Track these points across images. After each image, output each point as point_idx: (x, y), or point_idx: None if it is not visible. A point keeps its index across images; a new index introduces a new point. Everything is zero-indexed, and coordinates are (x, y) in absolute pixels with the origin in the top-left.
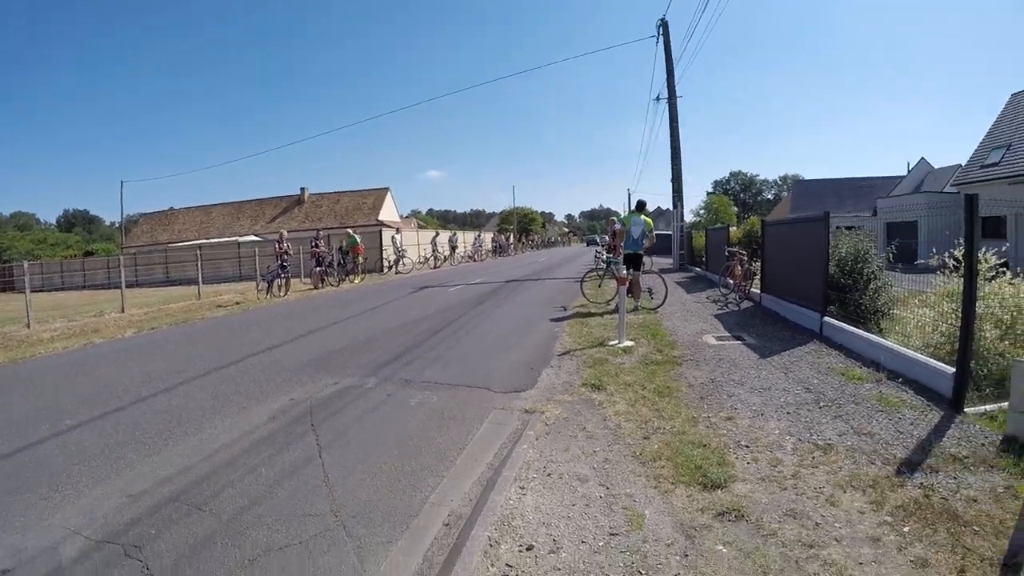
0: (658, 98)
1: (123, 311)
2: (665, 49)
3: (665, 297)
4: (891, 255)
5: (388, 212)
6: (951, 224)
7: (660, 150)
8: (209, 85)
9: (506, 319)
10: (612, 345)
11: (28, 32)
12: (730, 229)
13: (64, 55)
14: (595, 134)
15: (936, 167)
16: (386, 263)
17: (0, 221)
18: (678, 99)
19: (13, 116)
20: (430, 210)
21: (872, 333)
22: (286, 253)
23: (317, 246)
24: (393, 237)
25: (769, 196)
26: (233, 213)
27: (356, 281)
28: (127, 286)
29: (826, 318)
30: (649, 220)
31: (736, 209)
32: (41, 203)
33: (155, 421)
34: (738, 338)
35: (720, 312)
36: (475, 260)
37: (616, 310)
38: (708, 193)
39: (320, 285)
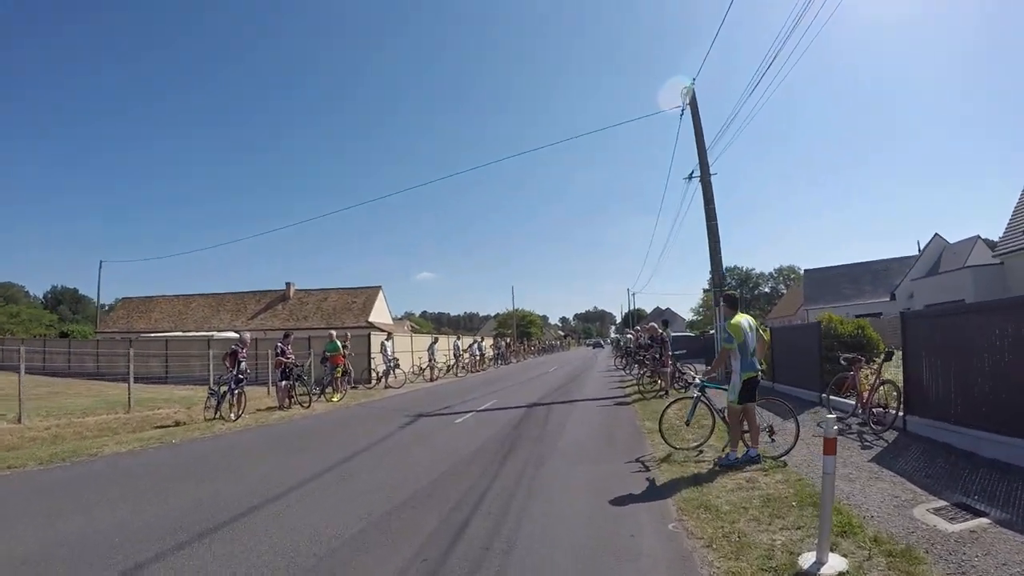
0: (690, 176)
1: (19, 421)
2: (693, 117)
3: (796, 437)
4: None
5: (380, 313)
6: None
7: (662, 244)
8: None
9: (565, 496)
10: (809, 571)
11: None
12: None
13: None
14: (589, 235)
15: (951, 242)
16: (375, 373)
17: None
18: (712, 176)
19: (10, 181)
20: (424, 312)
21: None
22: (238, 363)
23: (284, 352)
24: (384, 343)
25: (766, 289)
26: (213, 305)
27: (335, 399)
28: (88, 376)
29: None
30: (754, 320)
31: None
32: (33, 276)
33: None
34: (974, 511)
35: (870, 452)
36: (473, 371)
37: (726, 460)
38: (704, 290)
39: (286, 404)
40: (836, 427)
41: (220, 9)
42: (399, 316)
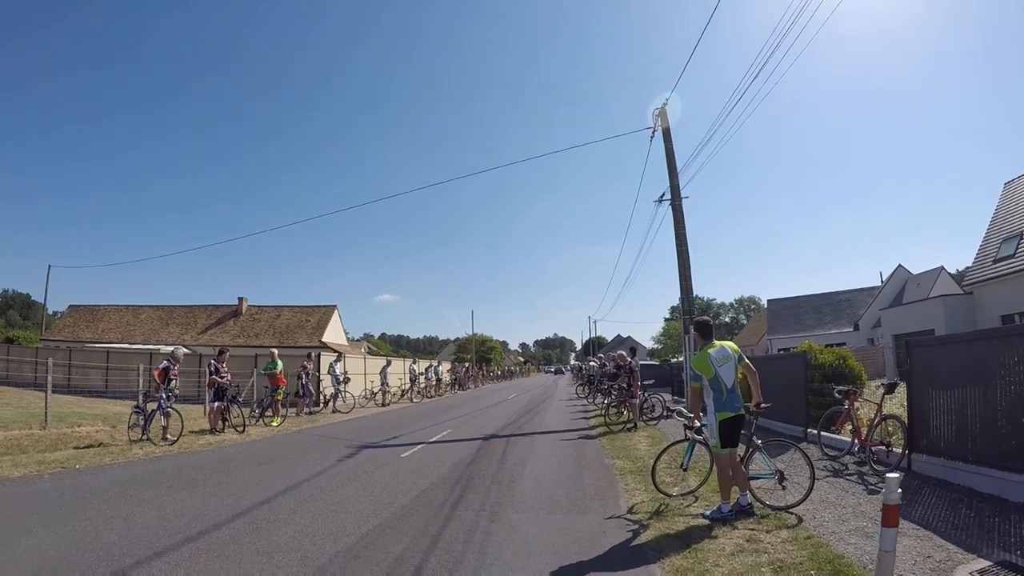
0: (660, 199)
1: None
2: (665, 140)
3: (811, 485)
4: None
5: (334, 333)
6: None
7: (627, 270)
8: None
9: (525, 564)
10: None
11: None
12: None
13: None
14: (549, 262)
15: (914, 273)
16: (322, 396)
17: None
18: (684, 200)
19: None
20: (383, 334)
21: None
22: (168, 381)
23: (217, 371)
24: (332, 364)
25: (726, 319)
26: (163, 317)
27: (275, 423)
28: (25, 386)
29: None
30: (735, 347)
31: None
32: None
33: None
34: (1021, 571)
35: (878, 497)
36: (428, 396)
37: (716, 513)
38: (666, 319)
39: (219, 428)
40: (898, 491)
41: (180, 20)
42: (357, 338)
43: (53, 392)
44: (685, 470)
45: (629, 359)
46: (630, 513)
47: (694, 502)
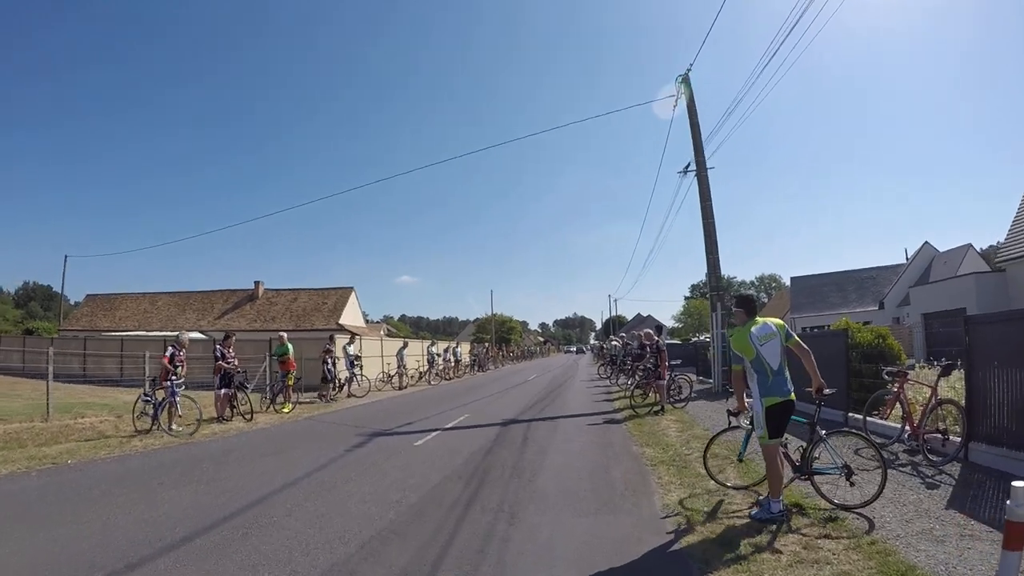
0: (685, 170)
1: None
2: (688, 108)
3: (883, 481)
4: None
5: (352, 315)
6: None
7: (648, 248)
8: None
9: None
10: None
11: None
12: (849, 332)
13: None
14: (570, 241)
15: (941, 250)
16: (338, 380)
17: None
18: (709, 171)
19: None
20: (403, 316)
21: None
22: (174, 368)
23: (224, 356)
24: (346, 347)
25: None
26: (180, 304)
27: (285, 410)
28: (38, 377)
29: None
30: (781, 323)
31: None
32: (6, 273)
33: None
34: None
35: (938, 492)
36: (447, 378)
37: (762, 514)
38: (686, 297)
39: (228, 416)
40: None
41: (197, 7)
42: (377, 320)
43: (69, 382)
44: (741, 461)
45: (656, 337)
46: (667, 513)
47: (743, 498)
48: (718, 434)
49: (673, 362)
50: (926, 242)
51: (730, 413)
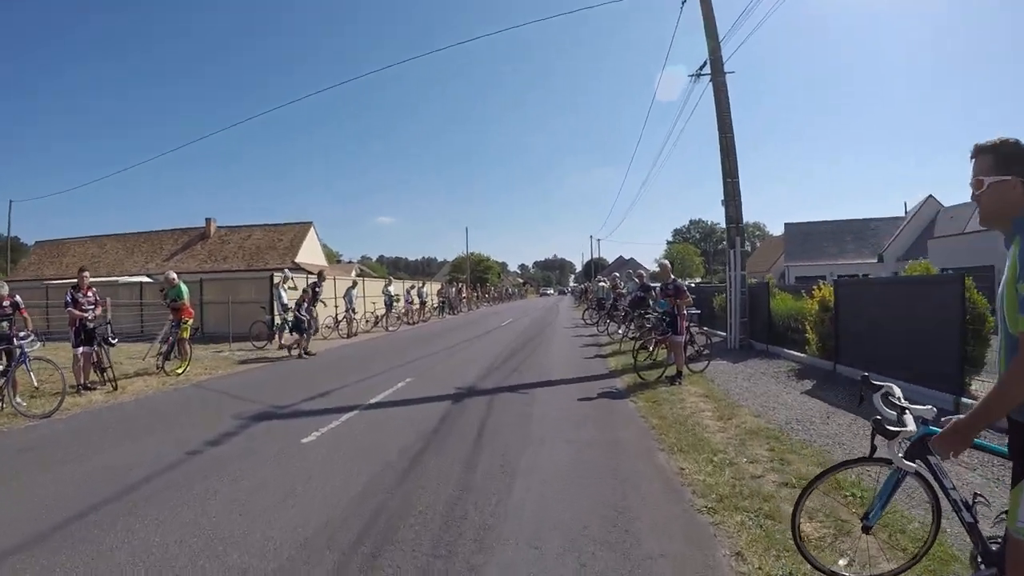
0: (698, 73)
1: None
2: None
3: None
4: None
5: (311, 253)
6: None
7: (635, 186)
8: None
9: None
10: None
11: None
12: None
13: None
14: (552, 183)
15: (946, 205)
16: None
17: None
18: (728, 76)
19: None
20: (380, 257)
21: None
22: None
23: (76, 302)
24: (277, 286)
25: None
26: (128, 247)
27: (179, 371)
28: None
29: None
30: None
31: (702, 258)
32: None
33: None
34: None
35: None
36: (410, 322)
37: None
38: (668, 242)
39: (91, 383)
40: None
41: None
42: (353, 259)
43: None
44: (869, 529)
45: (673, 277)
46: None
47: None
48: (829, 471)
49: (692, 311)
50: (930, 195)
51: (876, 431)
